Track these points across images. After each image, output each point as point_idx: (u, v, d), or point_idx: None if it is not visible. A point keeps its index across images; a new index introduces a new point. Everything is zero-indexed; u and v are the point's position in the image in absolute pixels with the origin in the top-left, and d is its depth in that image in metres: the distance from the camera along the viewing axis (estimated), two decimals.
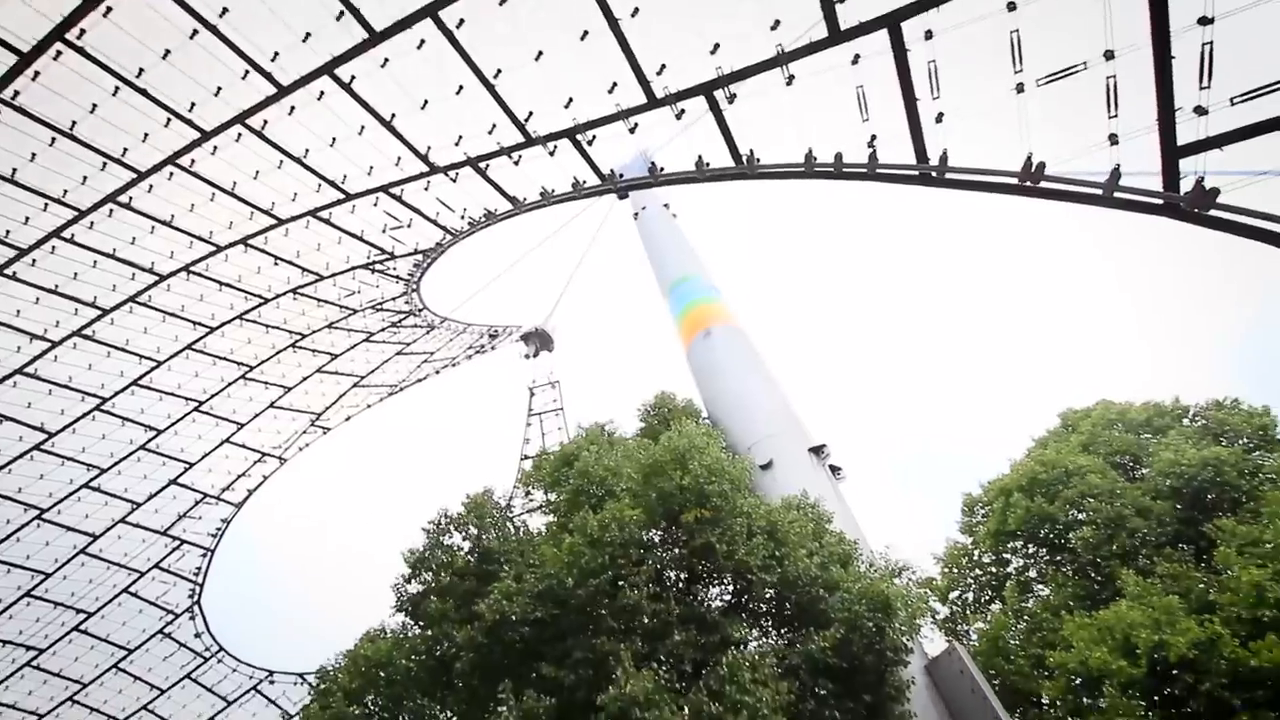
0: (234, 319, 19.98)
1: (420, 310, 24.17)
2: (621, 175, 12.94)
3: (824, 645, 7.93)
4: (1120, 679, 8.99)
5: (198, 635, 26.45)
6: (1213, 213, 6.34)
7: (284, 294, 19.79)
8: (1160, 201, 6.73)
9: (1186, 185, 6.51)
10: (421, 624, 11.47)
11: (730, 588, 9.49)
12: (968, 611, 14.43)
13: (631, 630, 7.91)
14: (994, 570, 15.18)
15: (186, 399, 21.48)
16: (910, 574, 10.57)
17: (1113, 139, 7.00)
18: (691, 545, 8.58)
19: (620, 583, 8.34)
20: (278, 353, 22.25)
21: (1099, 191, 7.02)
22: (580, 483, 11.20)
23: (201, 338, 19.95)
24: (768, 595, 8.90)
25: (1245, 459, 12.80)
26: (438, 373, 29.23)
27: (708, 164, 10.82)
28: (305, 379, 24.20)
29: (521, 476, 14.02)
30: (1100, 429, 15.29)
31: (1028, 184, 7.46)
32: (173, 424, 21.83)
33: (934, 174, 8.26)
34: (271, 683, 27.80)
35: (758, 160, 10.26)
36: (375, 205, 15.68)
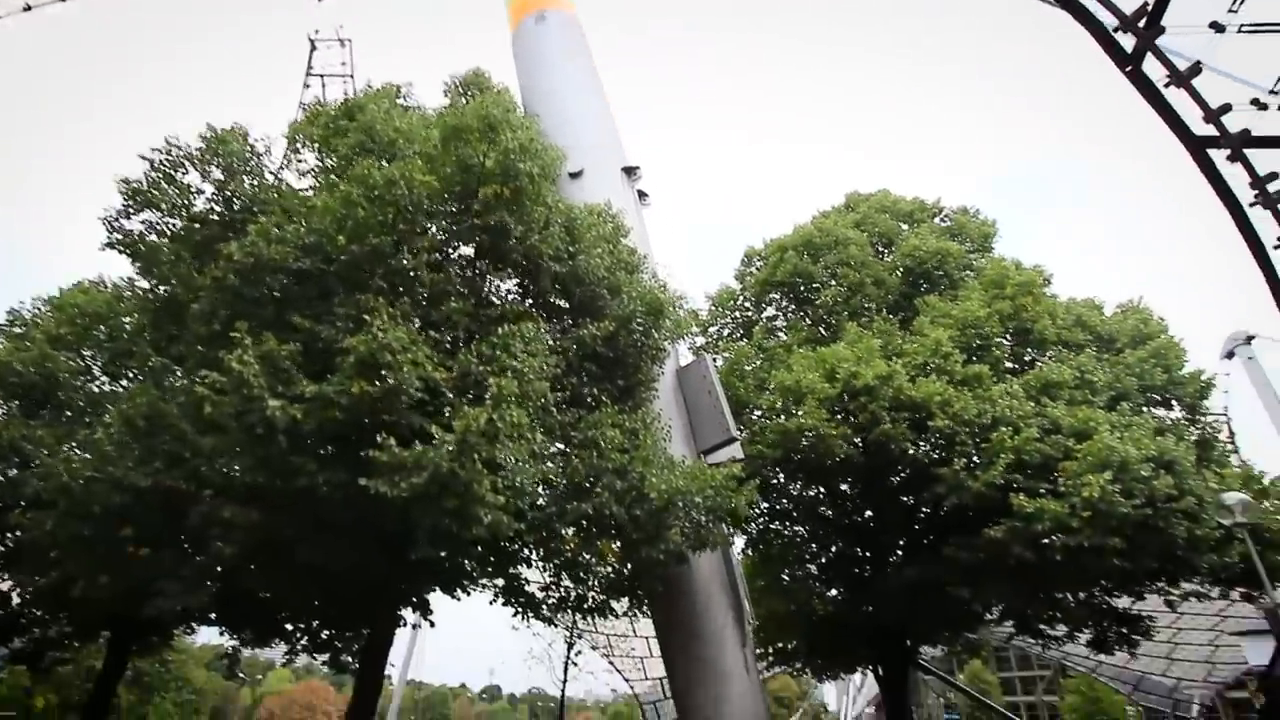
0: None
1: None
2: None
3: (596, 334, 8.38)
4: (819, 395, 11.25)
5: None
6: None
7: None
8: None
9: None
10: (147, 268, 9.80)
11: (517, 276, 9.33)
12: (720, 343, 16.55)
13: (403, 295, 7.46)
14: (751, 315, 17.38)
15: None
16: (682, 301, 11.49)
17: None
18: (485, 221, 7.98)
19: (400, 248, 7.64)
20: None
21: None
22: (362, 139, 9.57)
23: None
24: (555, 287, 8.96)
25: (965, 256, 15.48)
26: None
27: None
28: None
29: (290, 130, 11.56)
30: (874, 212, 17.11)
31: None
32: None
33: None
34: None
35: None
36: None
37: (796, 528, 15.28)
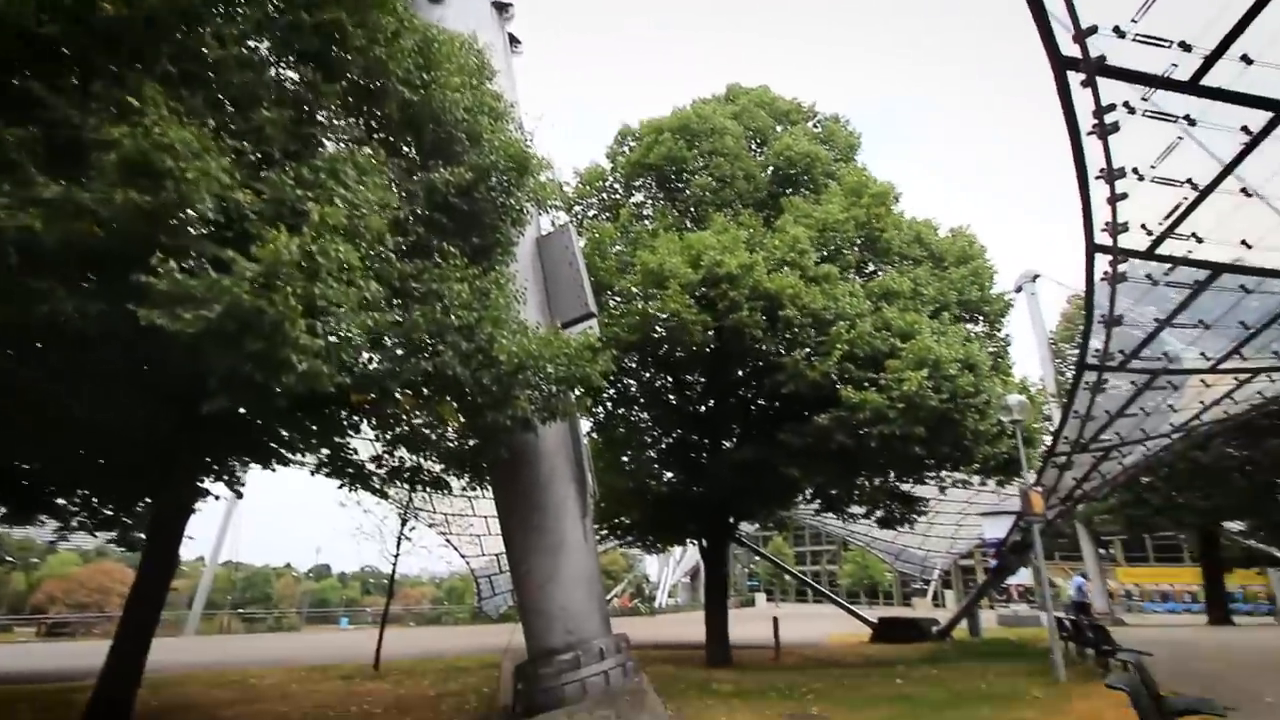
0: None
1: None
2: None
3: (450, 180, 7.31)
4: (682, 280, 11.15)
5: None
6: None
7: None
8: None
9: None
10: None
11: (355, 98, 7.77)
12: (585, 222, 15.80)
13: (196, 86, 5.81)
14: (619, 198, 16.70)
15: None
16: (549, 168, 10.51)
17: None
18: (316, 17, 6.35)
19: (196, 27, 5.88)
20: None
21: None
22: None
23: None
24: (402, 118, 7.58)
25: (831, 163, 15.84)
26: None
27: None
28: None
29: None
30: (752, 106, 16.78)
31: None
32: None
33: None
34: None
35: None
36: None
37: (643, 414, 15.69)
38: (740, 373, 13.86)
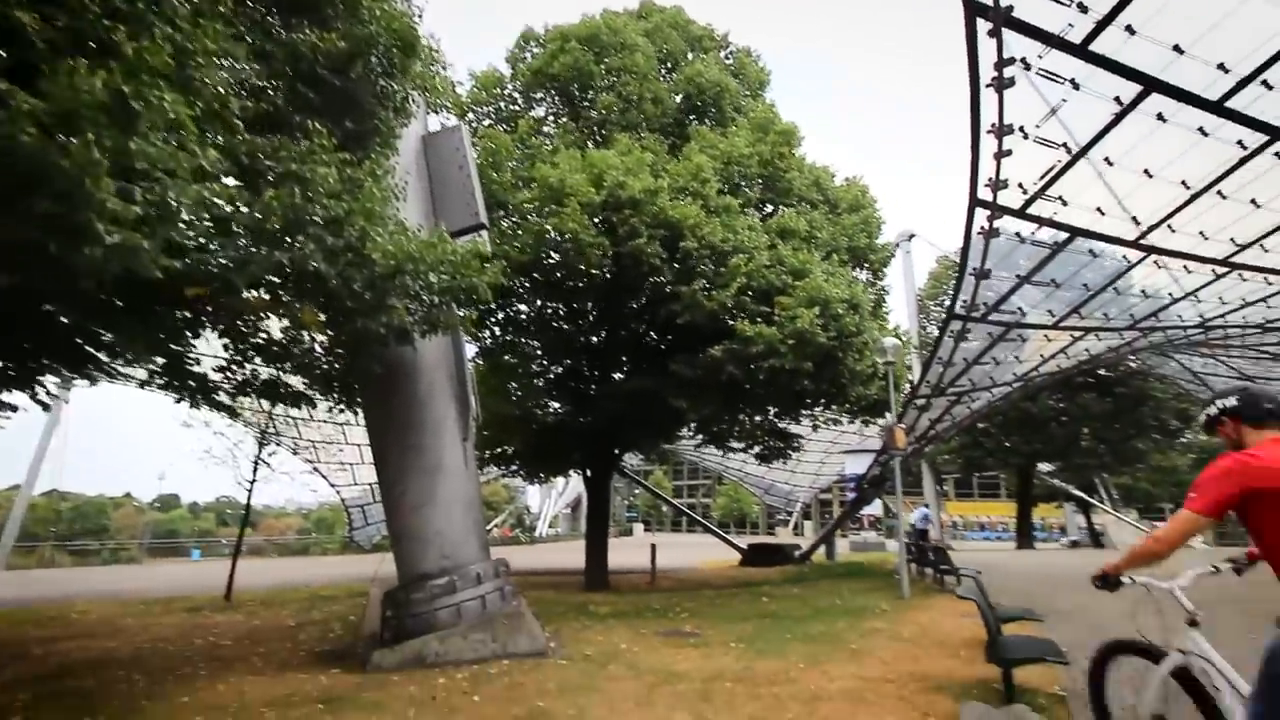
0: None
1: None
2: None
3: (319, 45, 6.20)
4: (582, 198, 10.55)
5: None
6: None
7: None
8: None
9: None
10: None
11: None
12: (480, 131, 14.54)
13: None
14: (518, 108, 15.49)
15: None
16: (440, 66, 9.34)
17: None
18: None
19: None
20: None
21: None
22: None
23: None
24: None
25: (740, 97, 15.53)
26: None
27: None
28: None
29: None
30: (665, 26, 15.96)
31: None
32: None
33: None
34: None
35: None
36: None
37: (532, 341, 15.15)
38: (634, 305, 13.64)
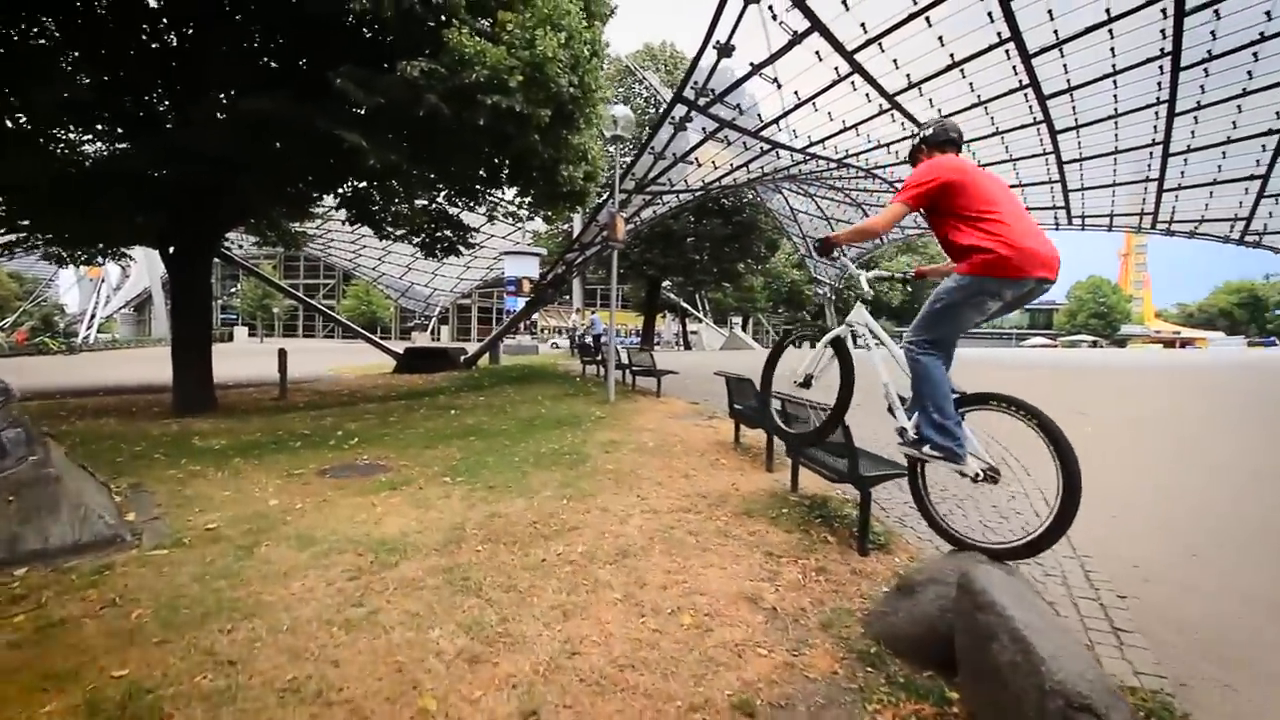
0: None
1: None
2: None
3: None
4: None
5: None
6: None
7: None
8: None
9: None
10: None
11: None
12: None
13: None
14: None
15: None
16: None
17: None
18: None
19: None
20: None
21: None
22: None
23: None
24: None
25: None
26: None
27: None
28: None
29: None
30: None
31: None
32: None
33: None
34: None
35: None
36: None
37: (47, 27, 8.38)
38: None
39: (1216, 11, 11.41)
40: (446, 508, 4.69)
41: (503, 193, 14.57)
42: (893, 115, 13.69)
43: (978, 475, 2.79)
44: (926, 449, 2.91)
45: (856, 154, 15.96)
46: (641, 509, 4.65)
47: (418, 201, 13.63)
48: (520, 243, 31.31)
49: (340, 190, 11.71)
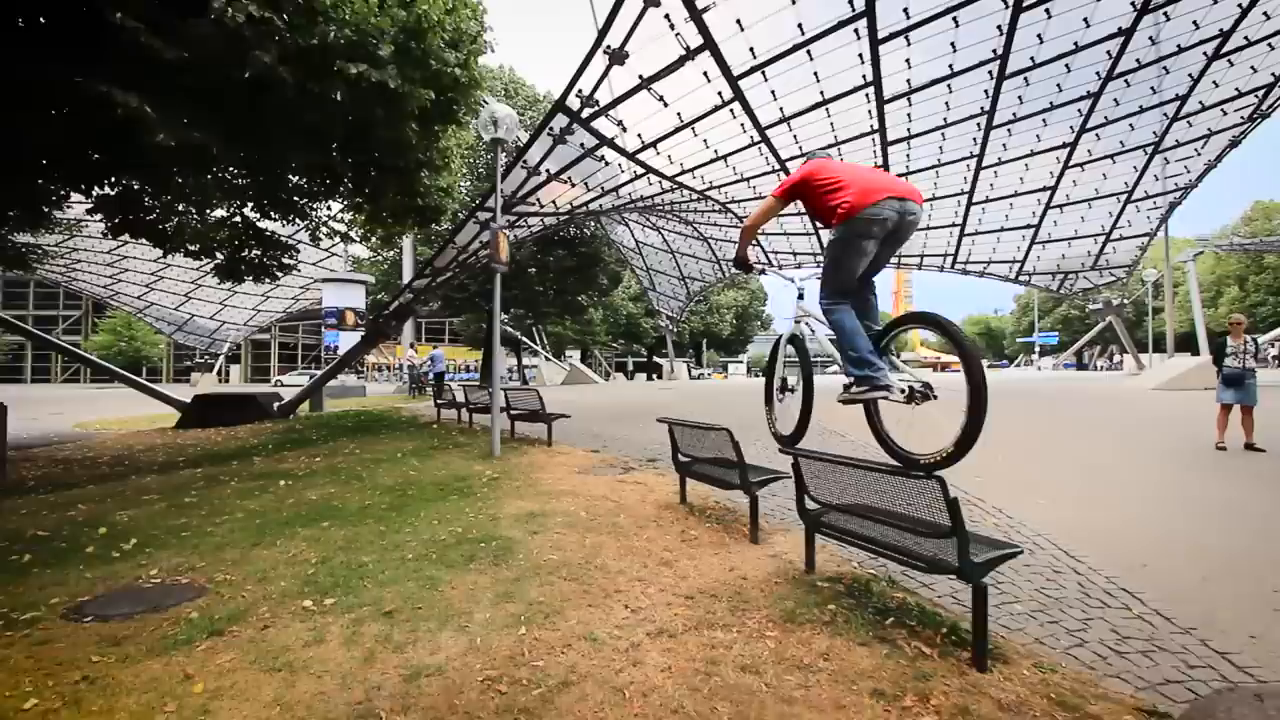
0: None
1: None
2: None
3: None
4: None
5: None
6: None
7: None
8: None
9: None
10: None
11: None
12: None
13: None
14: None
15: None
16: None
17: None
18: None
19: None
20: None
21: None
22: None
23: None
24: None
25: None
26: None
27: None
28: None
29: None
30: None
31: None
32: None
33: None
34: None
35: None
36: None
37: None
38: None
39: (1026, 79, 13.02)
40: (325, 667, 2.82)
41: (328, 207, 12.15)
42: (760, 149, 13.76)
43: (912, 395, 3.01)
44: (854, 389, 3.17)
45: (719, 186, 15.93)
46: (645, 630, 3.20)
47: (215, 212, 10.80)
48: (337, 270, 27.47)
49: (98, 189, 8.55)
